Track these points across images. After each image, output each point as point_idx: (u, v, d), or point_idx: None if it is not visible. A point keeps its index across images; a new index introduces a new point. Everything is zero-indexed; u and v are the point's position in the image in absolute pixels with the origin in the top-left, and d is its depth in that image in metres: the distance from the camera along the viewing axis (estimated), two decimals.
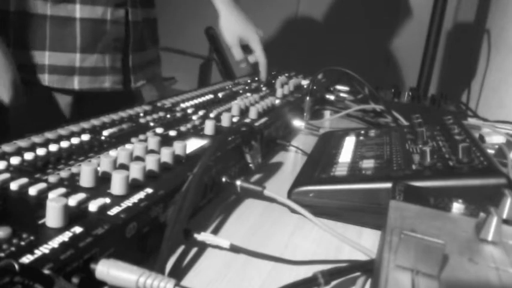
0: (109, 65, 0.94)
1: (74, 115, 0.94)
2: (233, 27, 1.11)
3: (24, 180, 0.42)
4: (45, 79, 0.88)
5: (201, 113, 0.75)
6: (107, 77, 0.95)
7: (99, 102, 0.95)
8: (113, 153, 0.52)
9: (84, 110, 0.94)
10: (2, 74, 0.79)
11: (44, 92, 0.90)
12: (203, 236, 0.45)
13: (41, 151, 0.50)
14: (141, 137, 0.59)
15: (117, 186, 0.42)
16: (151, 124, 0.66)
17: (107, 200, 0.41)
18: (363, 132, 0.76)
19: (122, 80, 0.98)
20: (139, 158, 0.50)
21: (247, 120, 0.74)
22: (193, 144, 0.59)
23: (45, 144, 0.52)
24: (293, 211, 0.55)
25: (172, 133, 0.63)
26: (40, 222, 0.36)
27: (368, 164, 0.60)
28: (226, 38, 1.12)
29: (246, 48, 1.13)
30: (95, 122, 0.62)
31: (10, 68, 0.80)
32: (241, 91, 0.97)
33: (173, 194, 0.46)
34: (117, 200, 0.41)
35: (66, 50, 0.89)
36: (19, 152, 0.49)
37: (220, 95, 0.90)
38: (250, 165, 0.64)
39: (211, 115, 0.74)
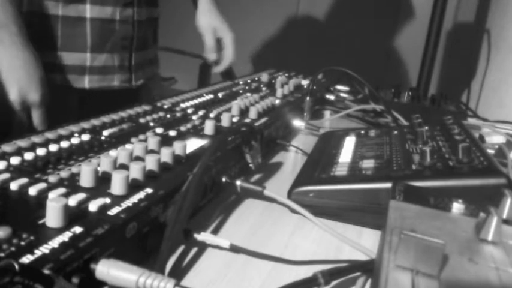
0: (117, 63, 0.96)
1: (82, 112, 0.94)
2: (209, 19, 1.13)
3: (24, 180, 0.42)
4: (57, 78, 0.89)
5: (201, 113, 0.75)
6: (115, 76, 0.96)
7: (107, 99, 0.95)
8: (113, 153, 0.52)
9: (92, 106, 0.95)
10: (32, 74, 0.79)
11: (52, 89, 0.90)
12: (203, 236, 0.45)
13: (41, 151, 0.50)
14: (141, 137, 0.59)
15: (117, 186, 0.42)
16: (151, 124, 0.66)
17: (107, 200, 0.41)
18: (363, 132, 0.76)
19: (129, 78, 0.99)
20: (139, 158, 0.50)
21: (247, 120, 0.74)
22: (193, 144, 0.59)
23: (45, 144, 0.52)
24: (293, 211, 0.55)
25: (172, 133, 0.63)
26: (40, 222, 0.36)
27: (368, 164, 0.60)
28: (201, 25, 1.13)
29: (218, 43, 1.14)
30: (95, 122, 0.63)
31: (38, 68, 0.81)
32: (241, 91, 0.97)
33: (173, 194, 0.46)
34: (117, 200, 0.41)
35: (77, 49, 0.90)
36: (19, 152, 0.49)
37: (220, 95, 0.90)
38: (250, 165, 0.64)
39: (211, 115, 0.74)
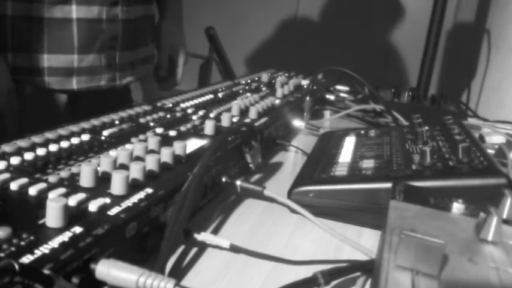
0: (105, 63, 0.95)
1: (70, 113, 0.94)
2: (168, 39, 1.16)
3: (24, 180, 0.42)
4: (44, 81, 0.88)
5: (201, 113, 0.75)
6: (103, 76, 0.95)
7: (95, 98, 0.95)
8: (113, 153, 0.52)
9: (80, 107, 0.94)
10: None
11: (40, 92, 0.90)
12: (203, 236, 0.45)
13: (41, 151, 0.50)
14: (141, 137, 0.59)
15: (117, 186, 0.42)
16: (151, 124, 0.66)
17: (107, 200, 0.41)
18: (363, 132, 0.76)
19: (114, 77, 0.99)
20: (139, 158, 0.50)
21: (247, 120, 0.74)
22: (193, 144, 0.59)
23: (45, 144, 0.52)
24: (293, 211, 0.55)
25: (172, 133, 0.63)
26: (40, 222, 0.36)
27: (368, 164, 0.60)
28: (161, 42, 1.16)
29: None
30: (95, 122, 0.63)
31: (4, 78, 0.80)
32: (241, 91, 0.97)
33: (173, 194, 0.46)
34: (117, 200, 0.41)
35: (64, 51, 0.89)
36: (19, 152, 0.49)
37: (220, 95, 0.90)
38: (250, 165, 0.64)
39: (211, 115, 0.74)
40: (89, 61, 0.92)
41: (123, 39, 0.96)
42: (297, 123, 0.88)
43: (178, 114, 0.72)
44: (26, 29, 0.85)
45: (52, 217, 0.36)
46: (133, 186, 0.44)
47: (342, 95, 1.10)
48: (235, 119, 0.73)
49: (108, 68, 0.96)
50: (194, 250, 0.46)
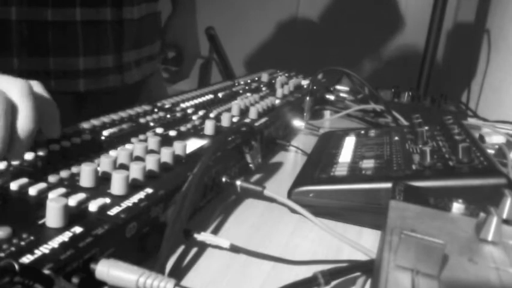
0: (112, 64, 0.94)
1: (75, 115, 0.93)
2: (174, 36, 1.16)
3: (24, 180, 0.42)
4: (51, 84, 0.88)
5: (201, 113, 0.75)
6: (110, 76, 0.95)
7: (101, 99, 0.95)
8: (113, 153, 0.52)
9: (85, 108, 0.94)
10: None
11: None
12: (203, 236, 0.45)
13: (41, 151, 0.50)
14: (141, 137, 0.59)
15: (117, 186, 0.42)
16: (151, 124, 0.66)
17: (107, 200, 0.41)
18: (363, 132, 0.76)
19: (122, 78, 0.98)
20: (139, 158, 0.50)
21: (247, 120, 0.74)
22: (193, 144, 0.59)
23: (45, 144, 0.52)
24: (293, 211, 0.55)
25: (172, 133, 0.63)
26: (40, 222, 0.36)
27: (368, 164, 0.60)
28: (166, 39, 1.16)
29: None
30: (95, 122, 0.63)
31: None
32: (241, 91, 0.97)
33: (173, 194, 0.46)
34: (117, 200, 0.41)
35: (69, 54, 0.88)
36: None
37: (220, 95, 0.90)
38: (250, 165, 0.64)
39: (211, 115, 0.74)
40: (95, 63, 0.91)
41: (128, 39, 0.96)
42: (297, 123, 0.88)
43: (178, 114, 0.72)
44: (30, 33, 0.85)
45: (52, 217, 0.36)
46: (133, 186, 0.44)
47: (342, 95, 1.10)
48: (235, 119, 0.73)
49: (115, 68, 0.95)
50: (194, 250, 0.46)
